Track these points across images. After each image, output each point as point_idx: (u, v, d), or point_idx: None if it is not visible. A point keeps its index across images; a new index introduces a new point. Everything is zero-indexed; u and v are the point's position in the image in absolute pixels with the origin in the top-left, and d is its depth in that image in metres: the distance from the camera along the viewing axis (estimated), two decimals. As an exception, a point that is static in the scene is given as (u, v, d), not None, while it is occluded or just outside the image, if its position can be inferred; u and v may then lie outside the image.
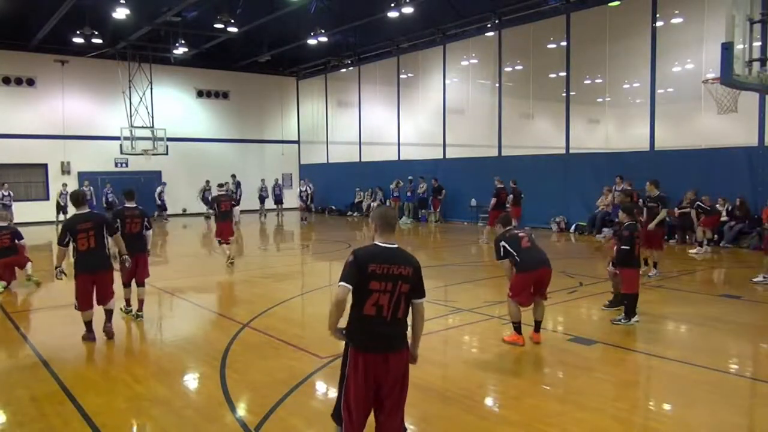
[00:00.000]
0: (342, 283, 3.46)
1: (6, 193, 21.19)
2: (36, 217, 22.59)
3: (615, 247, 7.74)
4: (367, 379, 3.48)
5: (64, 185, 22.81)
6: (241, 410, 5.01)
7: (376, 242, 3.62)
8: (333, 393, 5.45)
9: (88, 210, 7.06)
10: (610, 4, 17.63)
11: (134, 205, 8.05)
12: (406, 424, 4.45)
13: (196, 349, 6.84)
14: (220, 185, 14.11)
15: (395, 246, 3.61)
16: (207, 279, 11.46)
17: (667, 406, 5.17)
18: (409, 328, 3.70)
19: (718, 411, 4.89)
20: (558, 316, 7.97)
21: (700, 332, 7.31)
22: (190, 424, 4.73)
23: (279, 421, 4.70)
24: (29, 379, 5.76)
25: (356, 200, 26.30)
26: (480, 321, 7.74)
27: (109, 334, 7.01)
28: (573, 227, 18.20)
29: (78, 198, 7.12)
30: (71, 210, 7.80)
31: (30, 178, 24.62)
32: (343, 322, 3.64)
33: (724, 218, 14.50)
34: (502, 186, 15.73)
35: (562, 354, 6.38)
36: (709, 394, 5.26)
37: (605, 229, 16.90)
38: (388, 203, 24.40)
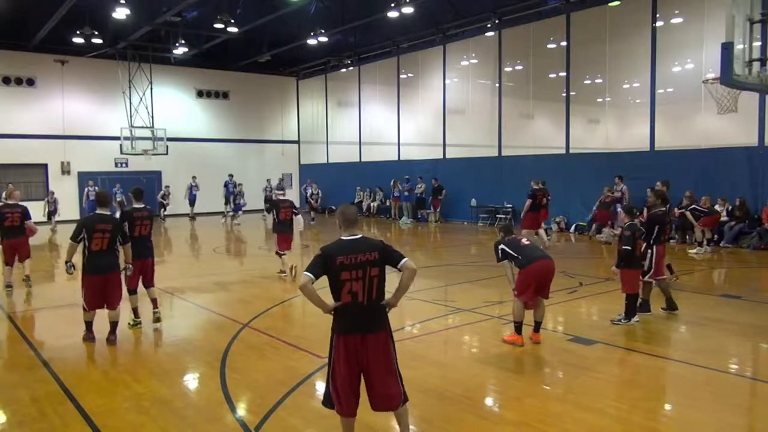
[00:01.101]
0: (305, 272, 3.80)
1: None
2: (36, 218, 22.36)
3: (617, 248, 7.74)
4: (348, 360, 3.84)
5: (52, 193, 22.34)
6: (241, 410, 5.01)
7: (342, 237, 3.97)
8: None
9: (109, 213, 6.96)
10: (610, 4, 17.63)
11: (143, 206, 7.71)
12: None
13: (196, 349, 6.84)
14: (280, 188, 12.39)
15: (359, 236, 3.95)
16: (207, 279, 11.45)
17: (667, 406, 5.17)
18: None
19: (718, 411, 4.89)
20: (558, 316, 7.97)
21: (700, 332, 7.31)
22: (190, 424, 4.73)
23: (279, 421, 4.71)
24: (29, 379, 5.77)
25: (356, 200, 26.28)
26: (480, 321, 7.74)
27: (112, 343, 6.87)
28: (573, 227, 18.21)
29: (105, 198, 7.04)
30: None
31: (30, 178, 24.58)
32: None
33: (724, 218, 14.50)
34: (539, 187, 14.93)
35: (562, 354, 6.38)
36: (709, 394, 5.26)
37: (605, 229, 16.91)
38: (388, 203, 24.45)
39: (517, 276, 6.70)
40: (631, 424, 4.65)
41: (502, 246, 6.75)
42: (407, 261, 3.93)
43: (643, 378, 5.85)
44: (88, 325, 6.96)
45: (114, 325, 6.95)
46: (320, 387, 5.54)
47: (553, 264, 6.66)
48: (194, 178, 25.39)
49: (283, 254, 11.19)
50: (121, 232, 6.94)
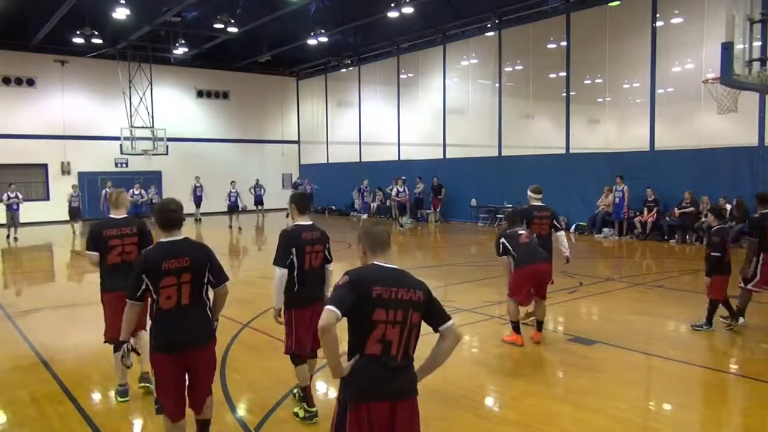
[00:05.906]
0: (329, 307, 2.70)
1: (13, 195, 19.05)
2: (36, 218, 22.56)
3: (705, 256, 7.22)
4: None
5: (75, 186, 20.85)
6: (241, 410, 5.01)
7: (375, 262, 2.94)
8: (333, 393, 5.46)
9: (182, 236, 3.87)
10: (610, 4, 17.63)
11: (310, 223, 4.84)
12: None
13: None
14: (536, 190, 7.49)
15: (397, 267, 2.94)
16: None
17: (667, 406, 5.16)
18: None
19: (718, 411, 4.89)
20: (558, 316, 7.97)
21: (700, 332, 7.31)
22: (191, 424, 4.72)
23: (279, 421, 4.71)
24: (29, 379, 5.76)
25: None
26: (480, 321, 7.74)
27: None
28: (573, 227, 18.20)
29: (173, 217, 3.85)
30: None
31: (30, 178, 24.60)
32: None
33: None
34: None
35: (562, 354, 6.38)
36: (709, 394, 5.26)
37: (605, 229, 16.92)
38: (388, 203, 24.40)
39: (511, 274, 6.64)
40: (631, 424, 4.65)
41: (503, 239, 6.62)
42: (453, 324, 2.94)
43: (643, 378, 5.85)
44: None
45: (205, 425, 4.12)
46: (320, 387, 5.54)
47: (548, 267, 6.62)
48: (198, 178, 24.35)
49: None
50: (212, 266, 3.97)
